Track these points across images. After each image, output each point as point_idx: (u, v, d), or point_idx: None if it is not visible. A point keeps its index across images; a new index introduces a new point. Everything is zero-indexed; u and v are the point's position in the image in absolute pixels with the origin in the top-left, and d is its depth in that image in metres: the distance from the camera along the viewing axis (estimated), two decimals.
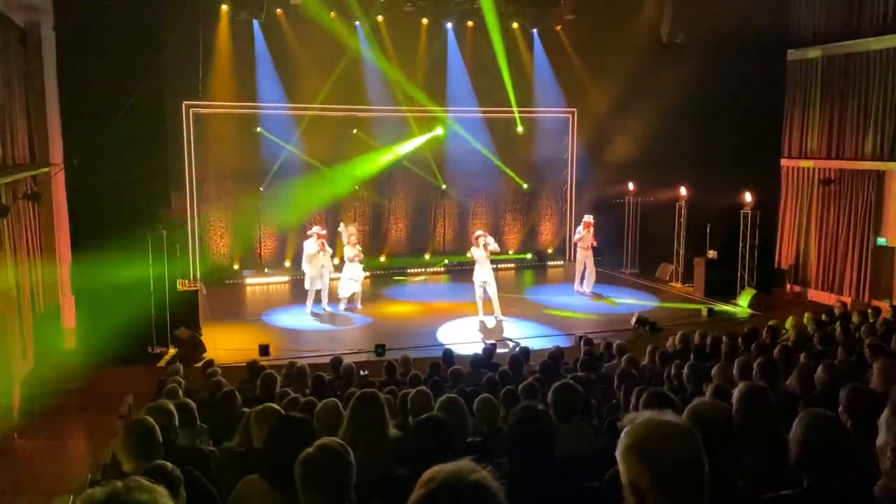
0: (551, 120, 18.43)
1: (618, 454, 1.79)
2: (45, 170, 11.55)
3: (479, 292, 12.76)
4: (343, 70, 15.68)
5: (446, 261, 17.49)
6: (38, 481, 7.93)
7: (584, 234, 14.95)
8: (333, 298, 13.61)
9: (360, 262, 13.48)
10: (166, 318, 11.15)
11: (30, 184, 11.00)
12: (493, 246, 12.78)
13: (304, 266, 13.36)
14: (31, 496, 7.61)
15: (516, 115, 17.42)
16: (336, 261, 14.24)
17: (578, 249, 15.19)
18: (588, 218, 15.18)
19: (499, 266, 13.27)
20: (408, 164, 17.08)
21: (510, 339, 11.80)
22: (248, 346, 10.99)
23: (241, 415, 5.14)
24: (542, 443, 3.06)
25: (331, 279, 13.62)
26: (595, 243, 15.07)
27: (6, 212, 9.03)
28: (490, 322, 12.71)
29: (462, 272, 15.95)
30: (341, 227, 14.17)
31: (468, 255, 13.37)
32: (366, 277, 14.23)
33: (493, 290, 12.74)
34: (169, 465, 3.21)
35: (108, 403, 8.96)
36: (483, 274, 12.63)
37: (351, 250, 13.40)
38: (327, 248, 13.30)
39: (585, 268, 15.07)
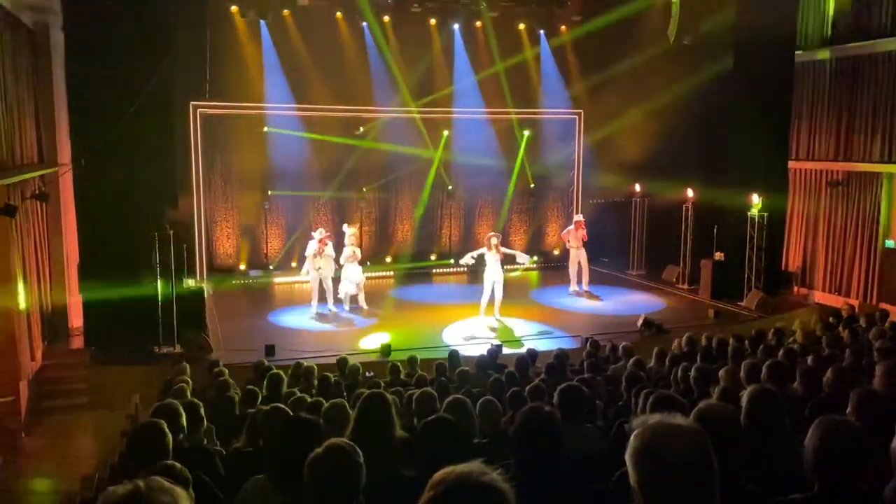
0: (558, 121, 18.40)
1: (627, 457, 1.78)
2: (53, 170, 11.61)
3: (486, 293, 12.77)
4: (350, 71, 15.70)
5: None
6: (45, 480, 7.96)
7: (573, 232, 14.81)
8: (338, 299, 13.63)
9: (357, 262, 13.50)
10: (173, 318, 11.16)
11: (38, 184, 11.06)
12: (515, 255, 12.98)
13: (307, 266, 13.42)
14: (37, 495, 7.65)
15: (515, 120, 17.42)
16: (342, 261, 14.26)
17: (571, 249, 15.09)
18: (578, 217, 15.14)
19: (504, 267, 13.24)
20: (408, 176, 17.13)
21: (524, 337, 11.99)
22: (254, 347, 11.01)
23: (247, 415, 5.15)
24: (547, 444, 3.05)
25: (333, 280, 13.64)
26: (585, 238, 14.93)
27: (14, 212, 9.07)
28: (491, 323, 12.71)
29: (472, 273, 15.95)
30: (345, 228, 14.20)
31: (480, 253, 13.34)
32: (368, 278, 14.23)
33: (499, 292, 12.79)
34: (177, 465, 3.21)
35: (114, 403, 9.02)
36: (493, 274, 12.68)
37: (347, 250, 13.44)
38: (328, 249, 13.31)
39: (580, 267, 15.00)
